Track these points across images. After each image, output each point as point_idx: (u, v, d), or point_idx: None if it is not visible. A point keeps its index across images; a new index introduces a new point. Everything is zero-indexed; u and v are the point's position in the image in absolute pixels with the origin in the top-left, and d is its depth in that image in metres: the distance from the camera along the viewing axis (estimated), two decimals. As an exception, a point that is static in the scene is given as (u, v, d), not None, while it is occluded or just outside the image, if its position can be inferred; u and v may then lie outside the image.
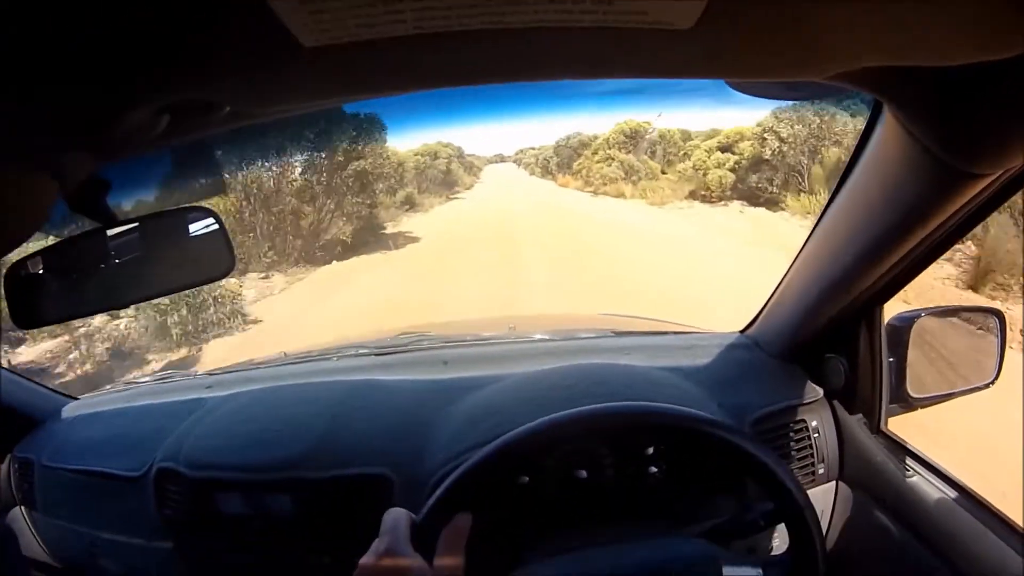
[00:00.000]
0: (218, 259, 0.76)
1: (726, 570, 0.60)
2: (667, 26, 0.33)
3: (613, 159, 14.51)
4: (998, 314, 0.99)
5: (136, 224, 0.69)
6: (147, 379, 1.17)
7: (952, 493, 0.79)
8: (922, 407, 0.94)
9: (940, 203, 0.61)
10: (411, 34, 0.33)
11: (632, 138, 14.75)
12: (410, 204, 13.18)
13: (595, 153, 15.27)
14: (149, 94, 0.38)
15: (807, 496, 0.62)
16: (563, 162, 17.20)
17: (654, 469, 0.78)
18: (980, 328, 1.00)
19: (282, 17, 0.29)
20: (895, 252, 0.70)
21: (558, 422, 0.61)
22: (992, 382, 0.98)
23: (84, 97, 0.37)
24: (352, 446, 0.84)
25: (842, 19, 0.33)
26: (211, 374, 1.14)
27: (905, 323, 0.90)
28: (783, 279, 0.90)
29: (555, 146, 18.14)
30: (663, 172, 13.61)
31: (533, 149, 21.18)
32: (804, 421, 0.88)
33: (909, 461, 0.84)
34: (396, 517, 0.52)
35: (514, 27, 0.33)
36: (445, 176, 16.85)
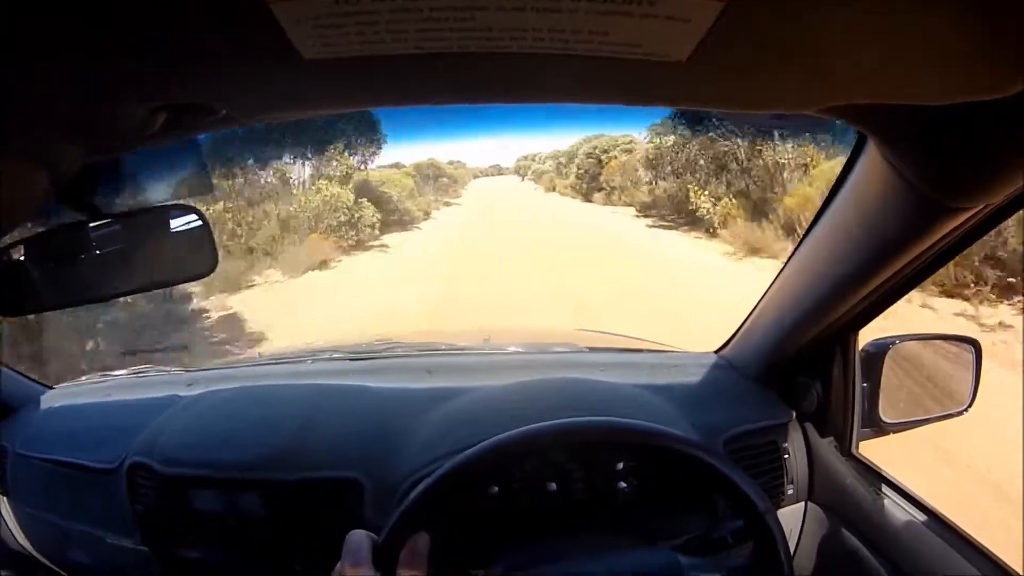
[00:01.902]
0: (201, 258, 0.77)
1: None
2: (662, 58, 0.34)
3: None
4: (974, 343, 1.01)
5: (124, 218, 0.69)
6: (123, 372, 1.17)
7: (922, 517, 0.80)
8: (894, 432, 0.96)
9: (919, 235, 0.62)
10: (410, 53, 0.33)
11: None
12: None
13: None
14: (147, 94, 0.39)
15: (775, 514, 0.63)
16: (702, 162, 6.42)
17: (623, 485, 0.78)
18: (955, 356, 1.02)
19: (287, 30, 0.29)
20: (872, 281, 0.71)
21: (516, 438, 0.62)
22: (966, 409, 1.00)
23: (83, 92, 0.37)
24: (323, 449, 0.84)
25: (836, 59, 0.34)
26: (187, 371, 1.13)
27: (880, 349, 0.91)
28: (759, 302, 0.91)
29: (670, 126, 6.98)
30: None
31: (545, 154, 11.83)
32: (775, 442, 0.90)
33: (880, 485, 0.86)
34: (358, 540, 0.54)
35: (512, 51, 0.33)
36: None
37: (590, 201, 8.74)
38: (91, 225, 0.64)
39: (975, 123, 0.46)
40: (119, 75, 0.35)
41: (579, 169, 9.28)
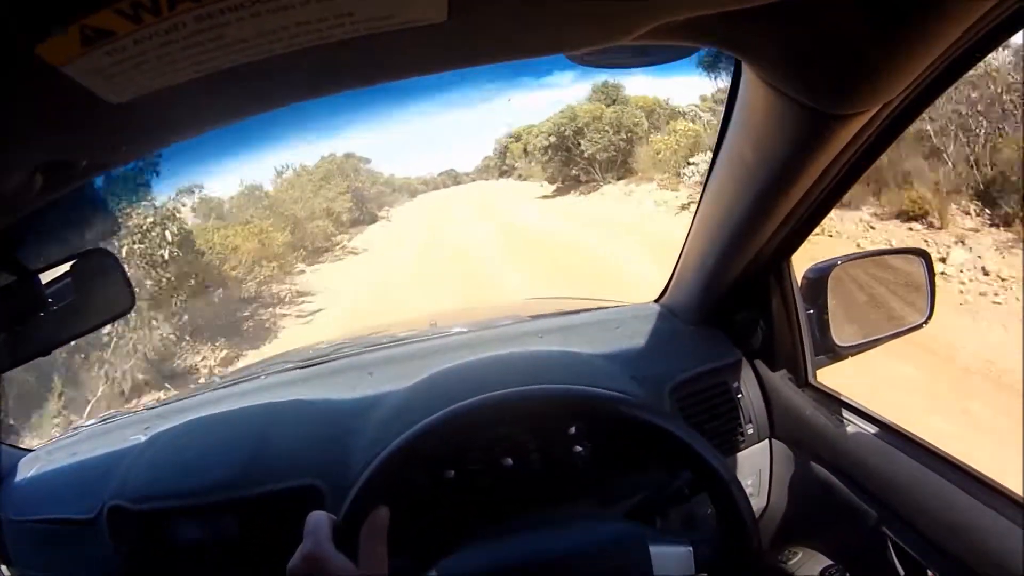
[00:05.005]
0: (120, 298, 0.78)
1: (654, 549, 0.60)
2: (422, 23, 0.33)
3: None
4: (923, 254, 0.99)
5: (53, 274, 0.71)
6: (92, 422, 1.19)
7: (887, 437, 0.79)
8: (852, 355, 0.94)
9: (815, 150, 0.61)
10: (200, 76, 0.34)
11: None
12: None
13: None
14: (10, 159, 0.41)
15: (723, 459, 0.62)
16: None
17: (579, 448, 0.78)
18: (904, 270, 1.00)
19: (87, 86, 0.31)
20: (783, 206, 0.70)
21: (457, 412, 0.62)
22: (926, 321, 0.98)
23: None
24: (281, 461, 0.84)
25: None
26: (149, 408, 1.15)
27: (821, 274, 0.89)
28: (684, 245, 0.90)
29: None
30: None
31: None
32: (726, 383, 0.89)
33: (840, 410, 0.84)
34: (317, 520, 0.56)
35: (284, 52, 0.33)
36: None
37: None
38: (33, 282, 0.66)
39: (835, 22, 0.45)
40: None
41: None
